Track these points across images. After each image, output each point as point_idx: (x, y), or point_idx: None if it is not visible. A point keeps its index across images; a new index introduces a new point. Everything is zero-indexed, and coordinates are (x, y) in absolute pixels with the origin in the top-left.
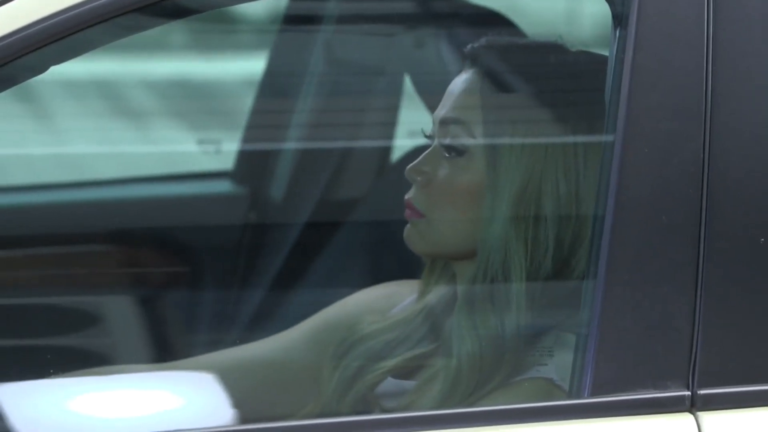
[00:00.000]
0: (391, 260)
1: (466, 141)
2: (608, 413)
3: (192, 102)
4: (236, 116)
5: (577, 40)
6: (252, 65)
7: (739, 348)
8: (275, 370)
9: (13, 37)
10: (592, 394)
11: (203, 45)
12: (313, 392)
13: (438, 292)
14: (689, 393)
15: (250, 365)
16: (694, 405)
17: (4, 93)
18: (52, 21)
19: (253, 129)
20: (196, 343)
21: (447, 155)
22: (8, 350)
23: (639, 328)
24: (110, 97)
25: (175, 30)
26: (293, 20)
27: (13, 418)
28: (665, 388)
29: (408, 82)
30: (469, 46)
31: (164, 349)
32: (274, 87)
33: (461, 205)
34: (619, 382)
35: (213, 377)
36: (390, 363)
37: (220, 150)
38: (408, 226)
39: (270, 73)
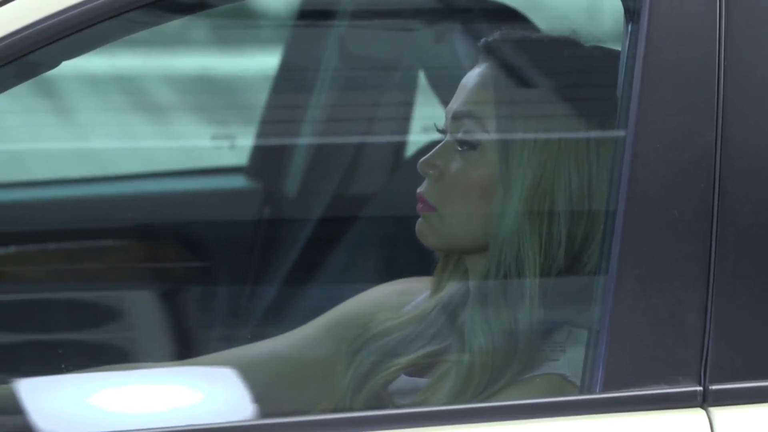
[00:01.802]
0: (405, 256)
1: (479, 135)
2: (620, 408)
3: (206, 97)
4: (250, 111)
5: (594, 36)
6: (265, 61)
7: (751, 343)
8: (289, 367)
9: (24, 33)
10: (604, 390)
11: (219, 40)
12: (326, 389)
13: (451, 288)
14: (701, 388)
15: (264, 362)
16: (705, 400)
17: (18, 87)
18: (62, 17)
19: (267, 124)
20: (210, 337)
21: (459, 149)
22: (25, 345)
23: (651, 323)
24: (124, 91)
25: (188, 25)
26: (306, 15)
27: (33, 413)
28: (677, 384)
29: (422, 78)
30: (482, 40)
31: (179, 344)
32: (288, 82)
33: (473, 199)
34: (630, 377)
35: (227, 374)
36: (403, 360)
37: (235, 145)
38: (420, 220)
39: (284, 69)
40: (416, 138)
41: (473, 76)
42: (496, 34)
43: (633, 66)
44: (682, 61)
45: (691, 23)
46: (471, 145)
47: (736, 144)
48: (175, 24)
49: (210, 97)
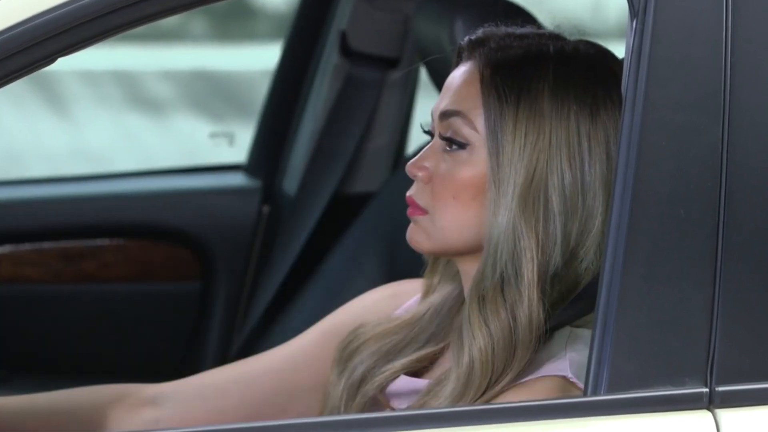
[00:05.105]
0: (405, 255)
1: (468, 133)
2: (625, 410)
3: (206, 94)
4: (250, 108)
5: (579, 30)
6: (268, 56)
7: (758, 344)
8: (283, 379)
9: (19, 29)
10: (608, 391)
11: (220, 35)
12: (322, 398)
13: (443, 291)
14: (707, 390)
15: (259, 375)
16: (712, 402)
17: (14, 84)
18: (58, 12)
19: (268, 121)
20: (210, 338)
21: (448, 149)
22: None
23: (656, 324)
24: (120, 87)
25: (189, 20)
26: (307, 11)
27: None
28: (682, 385)
29: (424, 74)
30: (466, 39)
31: (178, 346)
32: (288, 79)
33: (465, 200)
34: (635, 378)
35: (221, 389)
36: (398, 364)
37: (233, 142)
38: (411, 225)
39: (284, 65)
40: (418, 136)
41: (459, 74)
42: (479, 32)
43: (638, 63)
44: (688, 58)
45: (697, 19)
46: (460, 145)
47: (742, 141)
48: (175, 19)
49: (210, 93)
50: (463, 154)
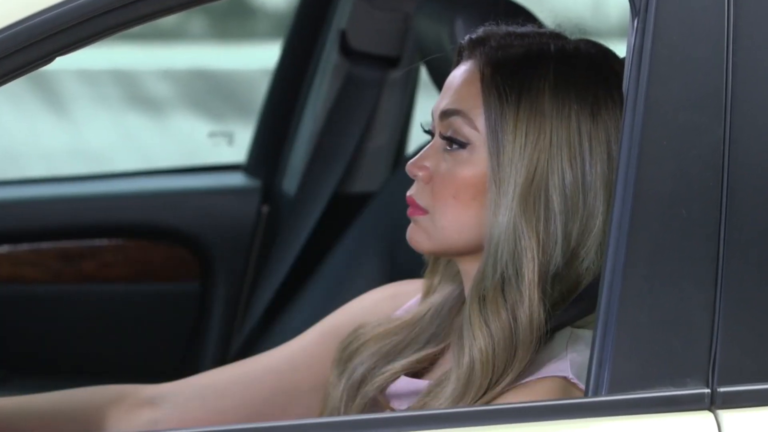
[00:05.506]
0: (405, 255)
1: (468, 133)
2: (626, 411)
3: (205, 93)
4: (250, 107)
5: (580, 29)
6: (268, 55)
7: (760, 344)
8: (283, 379)
9: (17, 28)
10: (610, 392)
11: (219, 34)
12: (322, 399)
13: (443, 291)
14: (709, 390)
15: (258, 376)
16: (713, 403)
17: (12, 84)
18: (55, 11)
19: (267, 121)
20: (209, 339)
21: (449, 148)
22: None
23: (657, 324)
24: (119, 86)
25: (188, 19)
26: (307, 10)
27: None
28: (684, 386)
29: (424, 73)
30: (466, 37)
31: (177, 346)
32: (288, 78)
33: (465, 199)
34: (636, 379)
35: (221, 390)
36: (398, 365)
37: (232, 142)
38: (411, 225)
39: (284, 64)
40: (418, 134)
41: (459, 73)
42: (480, 31)
43: (640, 62)
44: (690, 57)
45: (698, 18)
46: (460, 144)
47: (744, 141)
48: (172, 18)
49: (209, 93)
50: (463, 153)
